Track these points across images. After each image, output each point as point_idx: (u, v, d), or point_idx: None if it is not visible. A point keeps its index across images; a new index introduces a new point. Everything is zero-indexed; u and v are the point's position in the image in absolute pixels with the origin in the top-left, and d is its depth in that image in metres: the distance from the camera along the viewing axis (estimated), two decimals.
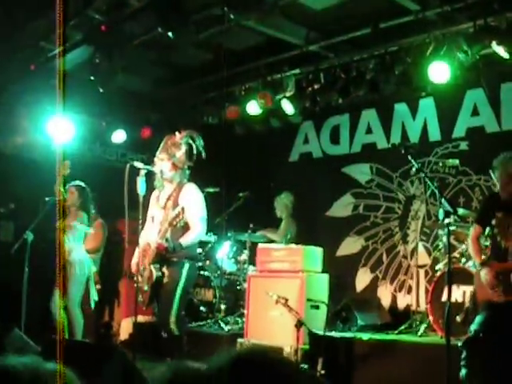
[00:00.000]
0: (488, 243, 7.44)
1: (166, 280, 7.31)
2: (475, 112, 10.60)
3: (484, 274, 6.70)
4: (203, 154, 7.55)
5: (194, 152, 7.52)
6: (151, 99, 12.80)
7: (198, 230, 7.39)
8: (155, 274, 7.25)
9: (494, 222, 6.78)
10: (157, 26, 8.79)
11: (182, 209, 7.01)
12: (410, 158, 6.48)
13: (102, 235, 10.65)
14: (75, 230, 9.69)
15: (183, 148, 7.48)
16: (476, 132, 10.58)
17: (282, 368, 1.50)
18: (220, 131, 11.81)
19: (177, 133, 7.61)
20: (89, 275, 9.83)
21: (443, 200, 5.73)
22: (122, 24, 9.33)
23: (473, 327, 6.56)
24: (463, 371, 6.43)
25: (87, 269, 9.78)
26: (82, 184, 9.87)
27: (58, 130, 11.09)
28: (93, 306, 9.91)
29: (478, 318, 6.61)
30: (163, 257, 7.27)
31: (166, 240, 7.13)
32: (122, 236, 11.67)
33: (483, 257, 7.05)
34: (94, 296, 9.90)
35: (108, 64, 9.60)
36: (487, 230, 7.18)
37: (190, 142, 7.52)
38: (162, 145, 7.62)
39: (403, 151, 6.46)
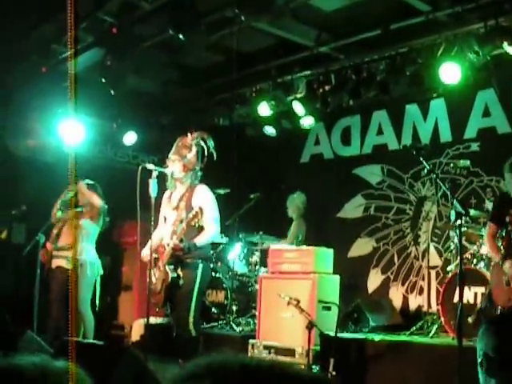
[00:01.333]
0: (500, 243, 7.40)
1: (181, 282, 7.32)
2: (486, 113, 10.58)
3: (508, 267, 6.78)
4: (214, 156, 7.56)
5: (205, 153, 7.52)
6: (162, 101, 12.82)
7: (212, 231, 7.40)
8: (170, 275, 7.27)
9: (507, 219, 6.77)
10: (168, 28, 8.81)
11: (200, 209, 7.02)
12: (421, 159, 6.48)
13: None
14: (86, 230, 9.71)
15: (194, 149, 7.48)
16: (487, 133, 10.56)
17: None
18: (231, 133, 11.83)
19: (188, 134, 7.62)
20: (97, 276, 9.84)
21: (455, 201, 5.72)
22: (133, 26, 9.36)
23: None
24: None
25: (97, 270, 9.80)
26: (91, 182, 9.88)
27: (70, 132, 11.13)
28: (97, 307, 9.90)
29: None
30: (178, 258, 7.29)
31: (181, 240, 7.15)
32: (127, 238, 11.71)
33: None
34: (97, 296, 9.89)
35: (119, 66, 9.62)
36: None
37: (201, 143, 7.53)
38: (174, 146, 7.63)
39: (414, 152, 6.45)
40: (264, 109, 11.39)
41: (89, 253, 9.68)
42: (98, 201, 9.65)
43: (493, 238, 7.15)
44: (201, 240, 7.31)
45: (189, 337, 7.33)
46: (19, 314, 9.85)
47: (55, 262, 10.02)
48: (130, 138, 12.43)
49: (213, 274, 11.08)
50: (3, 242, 10.83)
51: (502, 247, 7.27)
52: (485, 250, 8.22)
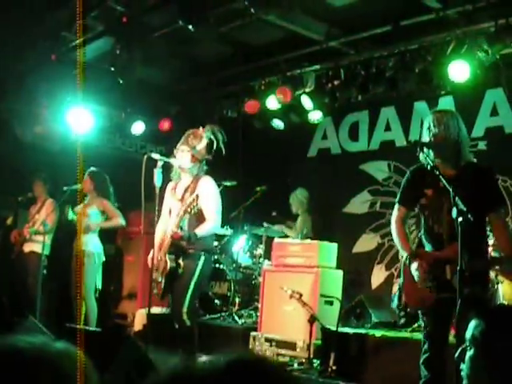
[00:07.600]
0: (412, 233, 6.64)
1: (181, 271, 7.33)
2: (494, 112, 10.55)
3: (414, 269, 5.81)
4: (223, 150, 7.57)
5: (215, 146, 7.54)
6: (171, 91, 12.83)
7: (212, 222, 7.40)
8: (169, 264, 7.28)
9: (423, 202, 5.88)
10: (177, 19, 8.83)
11: (197, 196, 7.05)
12: (423, 156, 6.12)
13: (54, 216, 10.64)
14: (91, 220, 9.78)
15: (204, 141, 7.49)
16: (495, 132, 10.54)
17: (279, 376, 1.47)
18: (238, 125, 11.84)
19: (201, 127, 7.62)
20: (100, 265, 9.91)
21: (457, 198, 5.63)
22: (143, 16, 9.38)
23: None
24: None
25: (101, 259, 9.88)
26: (96, 169, 9.94)
27: (78, 120, 11.17)
28: (97, 294, 9.94)
29: None
30: (179, 247, 7.29)
31: (181, 229, 7.17)
32: (132, 228, 11.74)
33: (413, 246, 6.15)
34: (99, 285, 9.94)
35: (128, 55, 9.64)
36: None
37: (212, 136, 7.54)
38: (183, 137, 7.64)
39: (418, 149, 6.23)
40: (272, 102, 11.37)
41: (94, 243, 9.76)
42: (117, 221, 9.88)
43: (402, 223, 6.05)
44: (201, 230, 7.30)
45: (183, 327, 7.36)
46: (22, 300, 9.92)
47: (28, 246, 10.17)
48: (138, 127, 12.45)
49: (217, 265, 11.13)
50: (9, 228, 10.89)
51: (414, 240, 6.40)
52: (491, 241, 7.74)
